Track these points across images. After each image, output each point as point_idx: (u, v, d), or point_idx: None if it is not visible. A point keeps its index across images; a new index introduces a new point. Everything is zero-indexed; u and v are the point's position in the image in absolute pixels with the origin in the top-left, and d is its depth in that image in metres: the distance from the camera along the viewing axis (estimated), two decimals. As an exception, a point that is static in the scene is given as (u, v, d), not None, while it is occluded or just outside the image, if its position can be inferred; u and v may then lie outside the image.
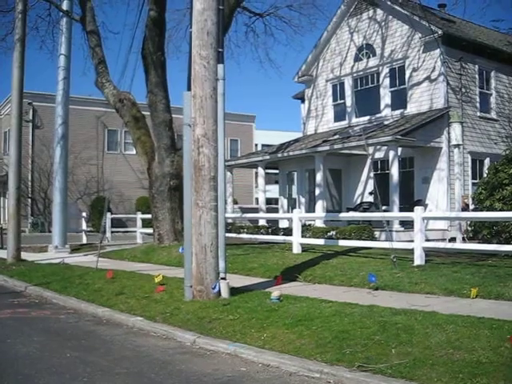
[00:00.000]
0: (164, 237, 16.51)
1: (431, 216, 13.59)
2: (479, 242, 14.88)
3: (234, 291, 9.14)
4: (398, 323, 6.78)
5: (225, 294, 8.75)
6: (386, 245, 12.92)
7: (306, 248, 15.04)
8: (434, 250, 12.77)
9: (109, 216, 25.73)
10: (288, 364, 5.80)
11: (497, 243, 13.01)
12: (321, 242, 14.89)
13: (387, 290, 9.79)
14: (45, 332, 7.76)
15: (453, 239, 18.97)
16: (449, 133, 20.41)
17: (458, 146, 16.62)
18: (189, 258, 8.80)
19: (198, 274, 8.64)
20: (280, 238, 16.53)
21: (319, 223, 20.37)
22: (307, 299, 8.65)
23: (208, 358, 6.33)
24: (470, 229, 15.83)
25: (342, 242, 14.05)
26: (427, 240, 19.09)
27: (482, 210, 14.17)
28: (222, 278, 8.87)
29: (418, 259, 11.68)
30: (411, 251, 12.11)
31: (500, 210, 13.28)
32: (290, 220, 23.90)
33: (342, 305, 8.13)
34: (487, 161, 22.09)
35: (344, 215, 17.61)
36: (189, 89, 8.91)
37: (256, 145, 48.28)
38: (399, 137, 18.68)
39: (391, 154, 19.27)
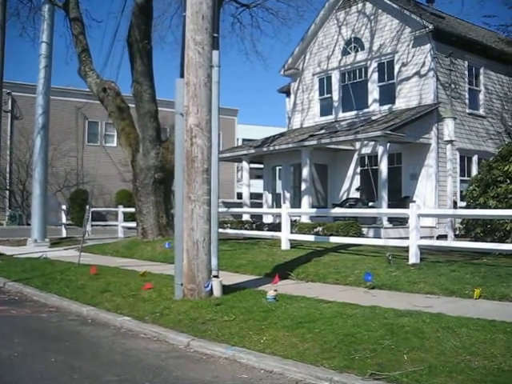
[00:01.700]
0: (148, 231, 15.99)
1: (427, 213, 13.25)
2: (471, 240, 14.62)
3: (225, 289, 8.68)
4: (405, 326, 6.40)
5: (217, 292, 8.30)
6: (380, 242, 12.59)
7: (294, 244, 14.65)
8: (427, 248, 12.43)
9: (87, 209, 25.04)
10: (293, 371, 5.36)
11: (491, 241, 12.72)
12: (311, 238, 14.50)
13: (385, 289, 9.43)
14: (27, 332, 7.23)
15: (442, 237, 18.74)
16: (438, 129, 20.18)
17: (450, 142, 16.31)
18: (179, 254, 8.33)
19: (190, 272, 8.17)
20: (268, 233, 16.08)
21: (305, 219, 20.00)
22: (304, 299, 8.24)
23: (205, 363, 5.87)
24: (461, 227, 15.53)
25: (334, 239, 13.67)
26: (417, 237, 19.14)
27: (475, 208, 13.87)
28: (215, 276, 8.42)
29: (413, 257, 11.34)
30: (404, 249, 11.79)
31: (494, 208, 12.99)
32: (275, 215, 23.71)
33: (342, 305, 7.73)
34: (475, 158, 21.93)
35: (336, 211, 17.19)
36: (181, 76, 8.42)
37: (237, 139, 47.76)
38: (389, 132, 18.36)
39: (380, 149, 18.95)
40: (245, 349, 6.05)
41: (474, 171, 21.86)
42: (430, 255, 12.36)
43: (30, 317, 8.24)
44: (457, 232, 16.29)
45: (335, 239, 13.69)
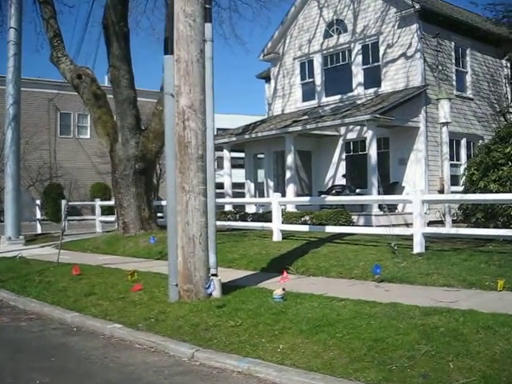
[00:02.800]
0: (129, 225, 15.03)
1: (432, 199, 12.50)
2: (470, 226, 14.01)
3: (224, 288, 7.86)
4: (438, 327, 5.65)
5: (217, 293, 7.47)
6: (381, 230, 11.86)
7: (285, 235, 13.85)
8: (426, 236, 11.71)
9: (64, 203, 23.96)
10: (323, 387, 4.58)
11: (494, 227, 12.09)
12: (305, 228, 13.71)
13: (395, 282, 8.70)
14: (4, 346, 6.30)
15: (433, 223, 18.16)
16: (426, 112, 19.57)
17: (446, 124, 15.62)
18: (173, 251, 7.46)
19: (186, 271, 7.32)
20: (257, 224, 15.24)
21: (291, 208, 19.25)
22: (313, 297, 7.46)
23: (217, 379, 5.04)
24: (458, 212, 14.87)
25: (330, 229, 12.90)
26: (406, 224, 18.52)
27: (474, 192, 13.23)
28: (213, 275, 7.58)
29: (418, 246, 10.63)
30: (402, 237, 11.10)
31: (496, 192, 12.35)
32: (258, 205, 22.92)
33: (358, 303, 6.96)
34: (464, 141, 21.37)
35: (332, 199, 16.35)
36: (166, 52, 7.52)
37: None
38: (378, 115, 17.65)
39: (369, 133, 18.21)
40: (260, 360, 5.24)
41: (463, 155, 21.34)
42: (432, 243, 11.64)
43: (7, 326, 7.31)
44: (454, 218, 15.62)
45: (331, 229, 12.94)
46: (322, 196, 18.89)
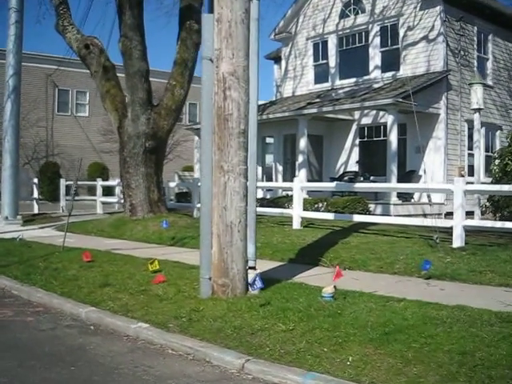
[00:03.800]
0: (137, 208, 14.04)
1: (476, 189, 11.58)
2: (496, 219, 13.22)
3: (257, 282, 6.93)
4: (532, 339, 4.76)
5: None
6: (416, 221, 10.98)
7: (304, 223, 12.96)
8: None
9: (63, 183, 22.99)
10: (422, 417, 3.68)
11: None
12: (329, 216, 12.73)
13: (445, 279, 7.81)
14: (11, 349, 5.29)
15: (450, 214, 17.30)
16: (447, 98, 18.71)
17: (479, 110, 14.66)
18: (207, 240, 6.50)
19: (221, 263, 6.37)
20: (276, 210, 14.25)
21: (303, 194, 18.30)
22: (363, 295, 6.54)
23: (281, 401, 4.13)
24: (487, 204, 14.01)
25: (358, 217, 11.98)
26: (423, 214, 17.64)
27: (508, 183, 12.36)
28: (251, 268, 6.64)
29: (458, 240, 9.76)
30: (430, 229, 10.21)
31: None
32: (265, 190, 21.95)
33: (419, 305, 6.06)
34: (483, 130, 20.41)
35: (359, 185, 15.28)
36: (209, 11, 6.52)
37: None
38: (400, 100, 16.69)
39: (390, 118, 17.25)
40: (329, 376, 4.31)
41: (482, 144, 20.44)
42: (466, 236, 10.76)
43: (12, 322, 6.33)
44: (483, 209, 14.74)
45: (359, 217, 12.02)
46: (348, 183, 17.83)
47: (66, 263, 9.03)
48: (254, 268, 6.64)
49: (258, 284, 6.25)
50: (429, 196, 9.55)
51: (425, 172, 10.15)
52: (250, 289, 6.45)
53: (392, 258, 8.88)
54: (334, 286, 6.27)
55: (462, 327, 5.21)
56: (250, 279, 6.33)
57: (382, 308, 5.93)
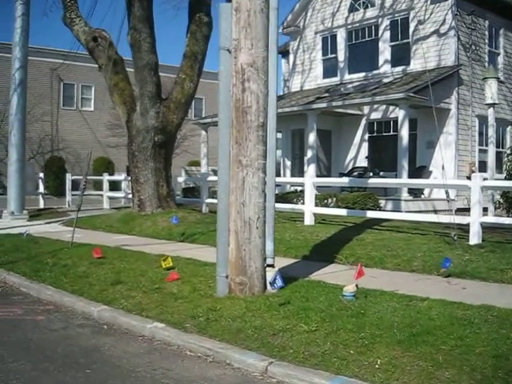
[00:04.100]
0: (146, 203, 13.86)
1: (494, 185, 11.37)
2: (509, 216, 13.01)
3: (274, 280, 6.73)
4: None
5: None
6: (432, 218, 10.78)
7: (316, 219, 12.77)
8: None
9: (69, 177, 22.84)
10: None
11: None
12: (342, 212, 12.52)
13: (465, 278, 7.60)
14: (23, 350, 5.09)
15: (460, 210, 17.08)
16: (458, 93, 18.47)
17: (493, 105, 14.40)
18: (224, 236, 6.31)
19: (239, 260, 6.17)
20: (287, 206, 14.02)
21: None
22: (385, 294, 6.35)
23: (309, 407, 3.94)
24: (500, 200, 13.79)
25: (371, 214, 11.77)
26: (434, 211, 17.42)
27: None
28: (269, 265, 6.44)
29: (475, 237, 9.57)
30: (444, 225, 9.99)
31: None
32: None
33: (443, 304, 5.86)
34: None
35: (374, 181, 14.90)
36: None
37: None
38: (412, 94, 16.45)
39: (401, 113, 16.99)
40: (358, 380, 4.12)
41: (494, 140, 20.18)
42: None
43: (22, 320, 6.14)
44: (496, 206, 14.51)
45: (373, 214, 11.82)
46: (364, 179, 17.57)
47: (75, 259, 8.85)
48: (272, 266, 6.45)
49: (279, 283, 6.05)
50: (447, 192, 9.25)
51: (443, 168, 9.85)
52: (268, 287, 6.26)
53: (409, 256, 8.68)
54: (356, 285, 6.07)
55: (492, 328, 5.02)
56: (269, 277, 6.13)
57: (406, 308, 5.73)
